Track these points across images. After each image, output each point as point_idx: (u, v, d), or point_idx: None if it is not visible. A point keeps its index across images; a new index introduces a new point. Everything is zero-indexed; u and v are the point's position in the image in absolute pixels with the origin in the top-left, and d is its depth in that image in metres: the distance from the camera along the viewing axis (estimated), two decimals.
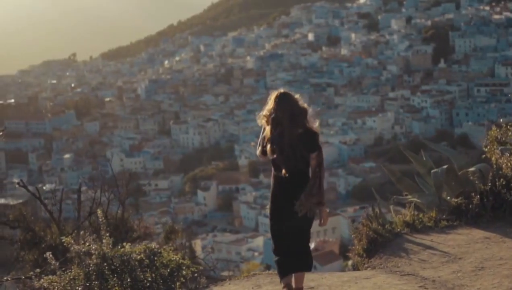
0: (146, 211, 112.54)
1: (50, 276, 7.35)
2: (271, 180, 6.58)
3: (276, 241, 6.62)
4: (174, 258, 7.51)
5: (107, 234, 7.60)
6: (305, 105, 6.54)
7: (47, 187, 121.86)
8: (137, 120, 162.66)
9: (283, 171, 6.35)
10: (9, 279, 9.90)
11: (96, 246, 7.31)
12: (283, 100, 6.43)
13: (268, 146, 6.40)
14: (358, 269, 8.50)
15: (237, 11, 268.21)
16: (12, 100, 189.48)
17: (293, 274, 6.64)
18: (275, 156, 6.39)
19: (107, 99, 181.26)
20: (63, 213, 13.08)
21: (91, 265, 7.17)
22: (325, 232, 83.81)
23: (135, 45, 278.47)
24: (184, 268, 7.51)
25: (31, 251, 11.69)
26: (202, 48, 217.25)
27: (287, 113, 6.36)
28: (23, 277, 9.57)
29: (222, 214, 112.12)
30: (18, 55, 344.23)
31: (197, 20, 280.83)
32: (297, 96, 6.56)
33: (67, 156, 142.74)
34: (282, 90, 6.57)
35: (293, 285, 6.60)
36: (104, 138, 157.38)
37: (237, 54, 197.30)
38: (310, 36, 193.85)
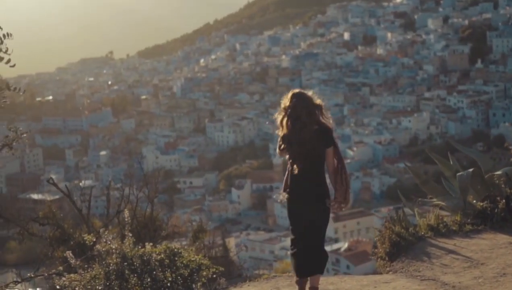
0: (180, 208, 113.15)
1: (72, 275, 7.42)
2: (287, 175, 6.76)
3: (294, 233, 6.77)
4: (194, 259, 7.55)
5: (130, 234, 7.67)
6: (319, 101, 6.77)
7: (83, 183, 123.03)
8: (172, 118, 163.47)
9: (298, 166, 6.57)
10: (32, 276, 10.01)
11: (117, 245, 7.36)
12: (299, 99, 6.66)
13: (285, 143, 6.66)
14: (380, 273, 8.41)
15: (273, 10, 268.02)
16: (50, 97, 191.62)
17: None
18: (290, 152, 6.65)
19: (143, 96, 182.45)
20: (98, 210, 13.27)
21: (111, 264, 7.22)
22: (358, 232, 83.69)
23: (171, 43, 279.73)
24: (204, 268, 7.53)
25: (60, 248, 11.82)
26: (237, 46, 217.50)
27: (304, 111, 6.59)
28: (45, 274, 9.68)
29: (256, 212, 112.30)
30: (56, 53, 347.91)
31: (233, 18, 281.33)
32: (310, 93, 6.80)
33: (103, 153, 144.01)
34: (297, 90, 6.80)
35: (309, 284, 6.70)
36: (139, 135, 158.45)
37: (273, 53, 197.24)
38: (346, 35, 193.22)
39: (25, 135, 6.83)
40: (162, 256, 7.41)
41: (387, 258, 8.48)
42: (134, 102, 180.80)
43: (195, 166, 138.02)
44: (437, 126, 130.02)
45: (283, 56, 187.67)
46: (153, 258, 7.31)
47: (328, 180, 6.79)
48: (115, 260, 7.23)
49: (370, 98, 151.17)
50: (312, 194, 6.60)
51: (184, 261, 7.47)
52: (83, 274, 7.31)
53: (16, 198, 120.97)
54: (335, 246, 76.55)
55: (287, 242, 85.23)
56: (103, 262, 7.29)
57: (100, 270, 7.26)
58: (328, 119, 6.78)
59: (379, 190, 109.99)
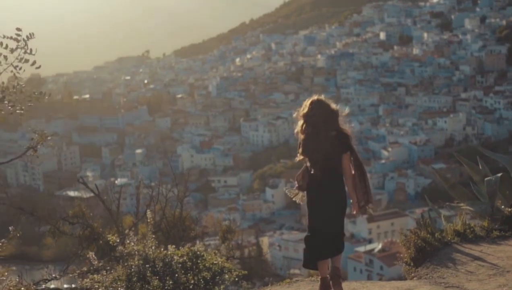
0: (214, 207, 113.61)
1: (95, 275, 7.50)
2: (302, 175, 7.04)
3: (311, 235, 7.05)
4: (216, 262, 7.58)
5: (153, 235, 7.72)
6: (337, 108, 7.00)
7: (119, 181, 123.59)
8: (207, 117, 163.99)
9: (316, 171, 6.86)
10: (57, 276, 10.12)
11: (139, 247, 7.40)
12: (317, 106, 6.91)
13: (303, 149, 6.94)
14: (406, 278, 8.37)
15: (309, 10, 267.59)
16: (87, 96, 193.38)
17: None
18: (309, 156, 6.91)
19: (179, 95, 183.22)
20: (133, 209, 13.30)
21: (133, 266, 7.25)
22: (392, 233, 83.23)
23: (207, 42, 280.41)
24: (226, 272, 7.56)
25: (90, 247, 11.95)
26: (273, 46, 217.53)
27: (321, 118, 6.83)
28: (71, 274, 9.79)
29: (290, 212, 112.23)
30: (94, 51, 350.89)
31: (269, 18, 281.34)
32: (329, 101, 7.01)
33: (138, 151, 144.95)
34: (315, 97, 7.03)
35: (331, 263, 7.04)
36: (175, 134, 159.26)
37: (308, 53, 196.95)
38: (382, 35, 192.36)
39: (49, 137, 6.90)
40: (185, 258, 7.44)
41: (412, 264, 8.43)
42: (170, 101, 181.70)
43: (229, 165, 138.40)
44: (473, 127, 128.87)
45: (319, 56, 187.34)
46: (174, 260, 7.34)
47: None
48: (136, 262, 7.27)
49: (406, 98, 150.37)
50: (330, 197, 6.88)
51: (206, 264, 7.48)
52: (105, 275, 7.37)
53: (53, 195, 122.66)
54: (369, 247, 76.30)
55: None
56: (125, 264, 7.33)
57: (122, 271, 7.30)
58: (346, 126, 6.98)
59: (414, 191, 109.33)
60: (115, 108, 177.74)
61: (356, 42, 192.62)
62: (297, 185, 7.14)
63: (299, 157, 7.04)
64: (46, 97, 6.57)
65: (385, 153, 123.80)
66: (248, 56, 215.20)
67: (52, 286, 10.89)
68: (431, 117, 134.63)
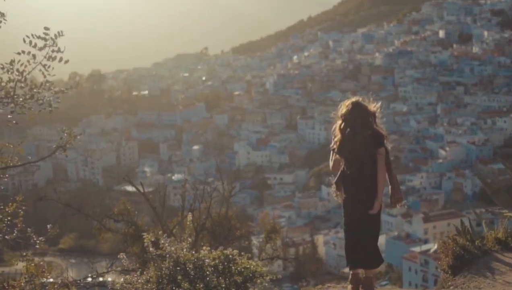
0: (270, 204, 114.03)
1: (128, 276, 7.68)
2: (340, 174, 7.38)
3: (346, 232, 7.43)
4: (249, 266, 7.59)
5: (188, 238, 7.92)
6: (374, 109, 7.40)
7: (175, 177, 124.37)
8: (264, 114, 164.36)
9: (351, 170, 7.24)
10: (93, 277, 10.34)
11: (171, 249, 7.47)
12: (355, 108, 7.34)
13: (338, 148, 7.35)
14: (443, 287, 8.25)
15: (367, 7, 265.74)
16: (146, 92, 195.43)
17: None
18: (345, 156, 7.30)
19: (236, 92, 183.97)
20: (186, 206, 13.55)
21: (163, 268, 7.35)
22: (448, 234, 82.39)
23: (265, 40, 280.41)
24: (258, 276, 7.57)
25: (134, 244, 12.24)
26: (331, 44, 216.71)
27: (357, 120, 7.25)
28: (98, 273, 10.08)
29: None
30: (153, 48, 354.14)
31: (327, 16, 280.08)
32: (367, 102, 7.44)
33: (196, 147, 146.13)
34: (354, 99, 7.49)
35: (365, 273, 7.39)
36: (232, 131, 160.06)
37: (366, 51, 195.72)
38: (441, 33, 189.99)
39: (79, 137, 7.15)
40: (216, 261, 7.49)
41: (450, 272, 8.26)
42: (227, 98, 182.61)
43: (285, 162, 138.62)
44: None
45: (377, 54, 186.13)
46: (206, 263, 7.39)
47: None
48: (167, 264, 7.35)
49: (465, 97, 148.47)
50: (363, 196, 7.21)
51: (238, 268, 7.51)
52: (137, 277, 7.51)
53: (112, 190, 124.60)
54: (424, 247, 75.81)
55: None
56: (156, 266, 7.43)
57: (153, 273, 7.39)
58: (381, 127, 7.38)
59: (471, 191, 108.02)
60: (173, 105, 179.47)
61: (414, 40, 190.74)
62: (335, 183, 7.44)
63: (334, 155, 7.43)
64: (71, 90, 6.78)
65: (442, 152, 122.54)
66: (306, 53, 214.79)
67: (101, 279, 11.19)
68: (490, 117, 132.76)
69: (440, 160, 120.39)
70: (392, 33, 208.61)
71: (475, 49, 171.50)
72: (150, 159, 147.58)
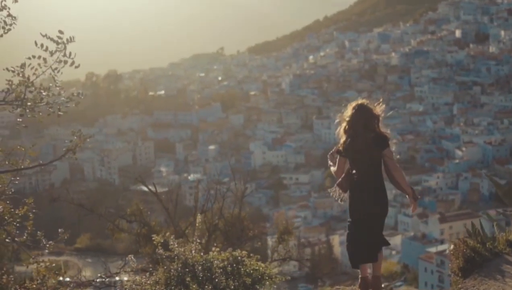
0: (286, 204, 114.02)
1: (137, 277, 7.73)
2: (343, 177, 7.51)
3: (351, 231, 7.58)
4: (257, 268, 7.60)
5: (198, 240, 7.93)
6: (379, 112, 7.52)
7: (191, 177, 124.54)
8: (280, 114, 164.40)
9: (356, 171, 7.36)
10: (106, 276, 10.34)
11: (180, 251, 7.51)
12: (359, 111, 7.45)
13: (343, 150, 7.44)
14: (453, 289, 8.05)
15: (383, 7, 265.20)
16: (163, 92, 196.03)
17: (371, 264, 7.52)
18: (350, 157, 7.40)
19: (252, 92, 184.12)
20: (200, 205, 13.60)
21: (172, 270, 7.37)
22: (465, 234, 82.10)
23: (281, 40, 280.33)
24: (267, 278, 7.58)
25: (147, 245, 12.29)
26: (346, 43, 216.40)
27: (360, 122, 7.36)
28: (110, 274, 10.13)
29: None
30: (169, 48, 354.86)
31: (342, 15, 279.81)
32: (374, 103, 7.57)
33: (211, 147, 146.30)
34: (359, 101, 7.56)
35: (371, 270, 7.50)
36: (247, 131, 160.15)
37: (382, 50, 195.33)
38: (458, 33, 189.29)
39: (88, 139, 7.15)
40: (225, 263, 7.51)
41: (460, 274, 8.09)
42: (243, 97, 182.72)
43: (301, 162, 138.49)
44: None
45: (393, 54, 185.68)
46: (214, 265, 7.40)
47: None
48: (176, 266, 7.39)
49: (481, 97, 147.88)
50: (370, 197, 7.35)
51: (247, 269, 7.52)
52: (145, 278, 7.55)
53: (128, 189, 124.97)
54: (440, 247, 75.53)
55: (392, 241, 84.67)
56: (165, 267, 7.47)
57: (162, 275, 7.41)
58: (385, 129, 7.47)
59: (488, 192, 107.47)
60: (189, 105, 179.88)
61: (431, 40, 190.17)
62: (338, 185, 7.58)
63: (337, 154, 7.52)
64: (80, 97, 6.79)
65: (459, 152, 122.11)
66: (322, 53, 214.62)
67: (117, 278, 11.26)
68: (507, 117, 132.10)
69: (457, 160, 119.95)
70: (408, 32, 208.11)
71: (492, 49, 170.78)
72: (166, 159, 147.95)
